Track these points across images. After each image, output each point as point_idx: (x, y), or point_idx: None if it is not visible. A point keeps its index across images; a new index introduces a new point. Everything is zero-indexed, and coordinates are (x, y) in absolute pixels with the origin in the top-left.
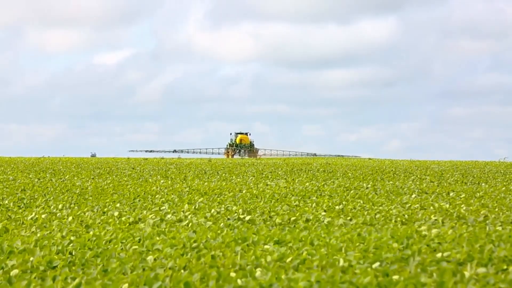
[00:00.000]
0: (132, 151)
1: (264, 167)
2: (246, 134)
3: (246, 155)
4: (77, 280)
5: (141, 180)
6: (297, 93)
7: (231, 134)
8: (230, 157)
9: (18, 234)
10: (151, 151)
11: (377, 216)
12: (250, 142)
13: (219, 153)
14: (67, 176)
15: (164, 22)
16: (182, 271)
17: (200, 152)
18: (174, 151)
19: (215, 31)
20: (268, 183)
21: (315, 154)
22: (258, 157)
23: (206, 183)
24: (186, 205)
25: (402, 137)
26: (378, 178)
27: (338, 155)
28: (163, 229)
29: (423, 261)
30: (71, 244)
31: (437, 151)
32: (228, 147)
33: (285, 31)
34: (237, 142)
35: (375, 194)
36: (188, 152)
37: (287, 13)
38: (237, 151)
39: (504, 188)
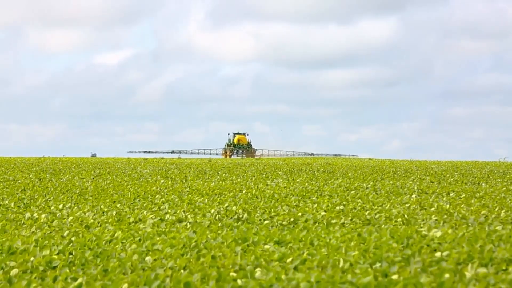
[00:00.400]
0: (130, 152)
1: (264, 167)
2: (244, 134)
3: (244, 155)
4: (78, 281)
5: (141, 180)
6: (297, 93)
7: (229, 134)
8: (228, 157)
9: (18, 234)
10: (149, 152)
11: (377, 216)
12: (248, 142)
13: (217, 154)
14: (67, 176)
15: (165, 22)
16: (182, 271)
17: (198, 153)
18: (172, 151)
19: (216, 31)
20: (268, 183)
21: (312, 154)
22: (256, 157)
23: (206, 183)
24: (186, 205)
25: (402, 137)
26: (378, 178)
27: (335, 155)
28: (163, 229)
29: (423, 261)
30: (71, 244)
31: (437, 151)
32: (226, 147)
33: (286, 31)
34: (235, 143)
35: (375, 194)
36: (186, 153)
37: (288, 13)
38: (235, 151)
39: (504, 188)
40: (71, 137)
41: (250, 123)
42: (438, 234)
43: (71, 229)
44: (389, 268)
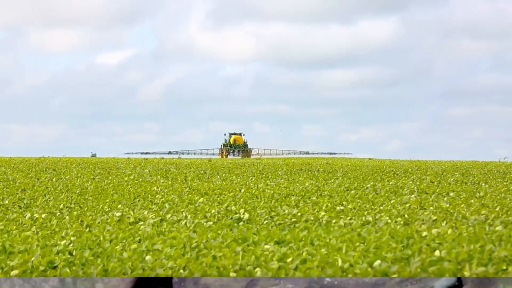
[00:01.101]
0: (127, 153)
1: (264, 167)
2: (240, 134)
3: (240, 155)
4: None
5: (141, 180)
6: (298, 93)
7: (225, 134)
8: (224, 157)
9: (18, 234)
10: (146, 153)
11: (377, 216)
12: (244, 142)
13: (213, 154)
14: (67, 176)
15: (166, 22)
16: (182, 271)
17: (194, 153)
18: (169, 152)
19: (216, 31)
20: (268, 183)
21: (307, 152)
22: (255, 157)
23: (206, 183)
24: (186, 205)
25: (402, 137)
26: (378, 178)
27: (330, 153)
28: (163, 229)
29: (423, 261)
30: (71, 244)
31: (437, 151)
32: (222, 147)
33: (286, 31)
34: (231, 143)
35: (375, 194)
36: (183, 153)
37: (288, 13)
38: (231, 151)
39: (504, 188)
40: (71, 137)
41: (250, 123)
42: (438, 233)
43: (71, 229)
44: (389, 268)
